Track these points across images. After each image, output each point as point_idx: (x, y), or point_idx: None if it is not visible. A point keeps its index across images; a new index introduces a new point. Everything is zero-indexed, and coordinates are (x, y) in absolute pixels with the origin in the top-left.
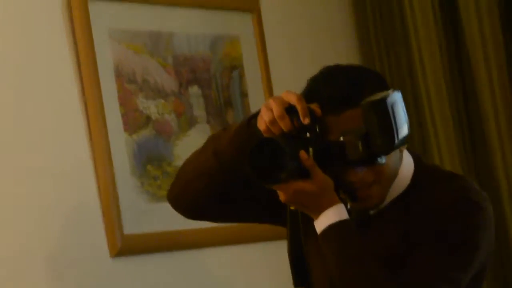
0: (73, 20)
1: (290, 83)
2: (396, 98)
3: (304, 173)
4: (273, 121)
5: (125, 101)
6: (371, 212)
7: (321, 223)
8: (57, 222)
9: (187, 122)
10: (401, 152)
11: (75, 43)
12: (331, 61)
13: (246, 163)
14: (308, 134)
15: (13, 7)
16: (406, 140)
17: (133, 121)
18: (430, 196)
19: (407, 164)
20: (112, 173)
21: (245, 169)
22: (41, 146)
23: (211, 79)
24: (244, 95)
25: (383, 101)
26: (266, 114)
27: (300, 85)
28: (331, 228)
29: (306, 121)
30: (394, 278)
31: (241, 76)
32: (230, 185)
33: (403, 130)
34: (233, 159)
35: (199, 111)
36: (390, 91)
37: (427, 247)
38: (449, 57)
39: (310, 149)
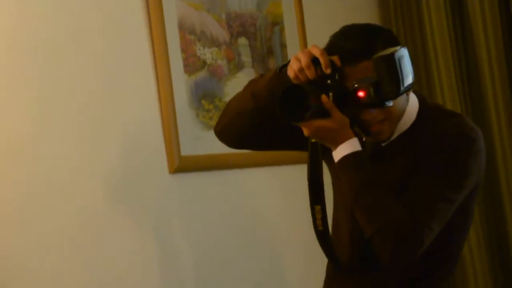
0: None
1: (322, 38)
2: (403, 53)
3: (324, 113)
4: (300, 70)
5: (186, 48)
6: (383, 144)
7: (338, 154)
8: (126, 144)
9: (236, 67)
10: (408, 95)
11: (147, 3)
12: (355, 21)
13: (276, 104)
14: (329, 81)
15: None
16: (411, 87)
17: (192, 64)
18: (431, 132)
19: (412, 104)
20: (173, 105)
21: (276, 109)
22: (116, 84)
23: (257, 32)
24: (283, 46)
25: (392, 55)
26: (295, 64)
27: None
28: (347, 157)
29: (327, 70)
30: (399, 200)
31: (281, 30)
32: (264, 121)
33: (408, 79)
34: (267, 100)
35: (246, 58)
36: (398, 47)
37: (427, 173)
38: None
39: (330, 94)
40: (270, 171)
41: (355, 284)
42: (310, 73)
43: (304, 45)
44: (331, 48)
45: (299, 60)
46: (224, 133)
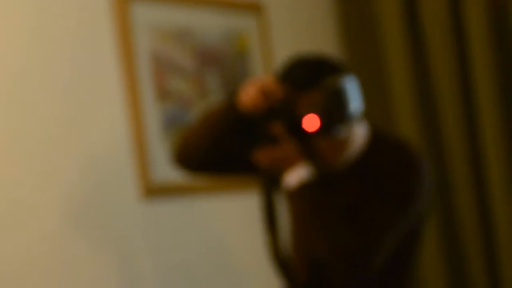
0: (116, 19)
1: None
2: (350, 81)
3: (274, 141)
4: (251, 101)
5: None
6: (330, 173)
7: (287, 182)
8: (98, 170)
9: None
10: (357, 124)
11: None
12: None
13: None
14: (278, 109)
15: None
16: (359, 114)
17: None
18: (378, 162)
19: (362, 134)
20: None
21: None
22: (84, 104)
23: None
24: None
25: (338, 84)
26: (245, 95)
27: None
28: (296, 186)
29: (277, 97)
30: (349, 226)
31: (248, 62)
32: (221, 150)
33: (355, 106)
34: (223, 132)
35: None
36: (345, 75)
37: (374, 201)
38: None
39: (281, 122)
40: (240, 197)
41: None
42: (259, 104)
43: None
44: (283, 75)
45: (249, 91)
46: (184, 157)
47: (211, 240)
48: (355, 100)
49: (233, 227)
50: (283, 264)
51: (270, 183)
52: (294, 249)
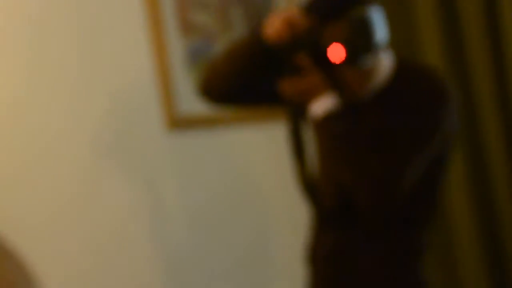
0: None
1: None
2: (376, 11)
3: (300, 72)
4: (276, 32)
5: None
6: (358, 102)
7: (313, 111)
8: (124, 105)
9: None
10: (383, 53)
11: None
12: None
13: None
14: (304, 40)
15: None
16: (385, 44)
17: (188, 26)
18: (405, 91)
19: (387, 63)
20: (168, 66)
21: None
22: (107, 37)
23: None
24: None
25: (364, 14)
26: (271, 27)
27: None
28: (322, 115)
29: (303, 30)
30: (375, 153)
31: None
32: (249, 79)
33: (381, 37)
34: (249, 62)
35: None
36: (371, 5)
37: (398, 129)
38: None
39: (306, 53)
40: (267, 127)
41: (338, 236)
42: (284, 35)
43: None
44: (308, 7)
45: (274, 23)
46: (210, 88)
47: (237, 171)
48: (380, 30)
49: (259, 157)
50: (310, 189)
51: (296, 112)
52: (321, 176)
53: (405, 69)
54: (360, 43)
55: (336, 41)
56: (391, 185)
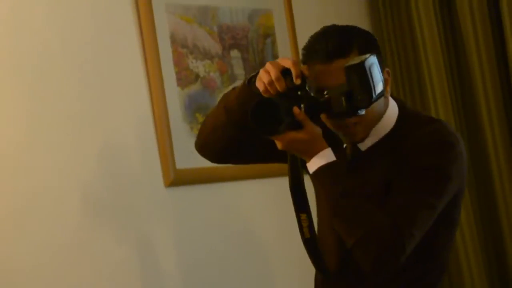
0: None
1: None
2: (373, 61)
3: (297, 125)
4: (270, 83)
5: (178, 62)
6: (363, 149)
7: (312, 165)
8: (122, 160)
9: (229, 79)
10: (386, 98)
11: (138, 16)
12: None
13: (249, 119)
14: (299, 92)
15: None
16: (382, 94)
17: (185, 78)
18: (411, 137)
19: (392, 109)
20: (167, 120)
21: (250, 123)
22: (110, 96)
23: (249, 44)
24: (275, 57)
25: (362, 63)
26: (264, 76)
27: None
28: (321, 169)
29: (298, 81)
30: (379, 207)
31: (273, 42)
32: (240, 135)
33: (379, 86)
34: (239, 114)
35: (238, 70)
36: (368, 55)
37: (407, 178)
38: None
39: (302, 105)
40: (265, 183)
41: None
42: (280, 86)
43: (296, 55)
44: (308, 47)
45: (268, 72)
46: (204, 149)
47: (237, 226)
48: (378, 79)
49: (259, 213)
50: (315, 247)
51: (297, 164)
52: (325, 234)
53: (411, 116)
54: (358, 93)
55: (333, 91)
56: (399, 242)
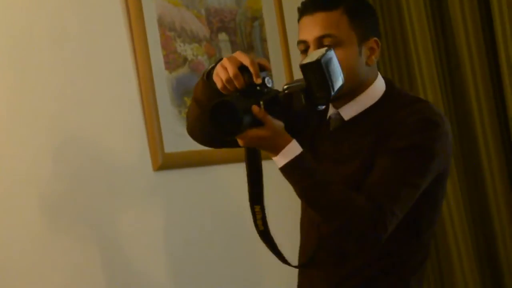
0: None
1: None
2: (330, 56)
3: (258, 123)
4: (228, 80)
5: (166, 45)
6: (346, 119)
7: (279, 161)
8: (110, 143)
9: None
10: (369, 67)
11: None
12: None
13: (208, 122)
14: (258, 88)
15: None
16: (341, 88)
17: (173, 61)
18: (396, 115)
19: (379, 83)
20: (155, 103)
21: (209, 126)
22: (98, 80)
23: (236, 27)
24: (263, 40)
25: (318, 62)
26: (222, 73)
27: None
28: (289, 164)
29: (258, 81)
30: (362, 186)
31: (261, 25)
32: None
33: (338, 82)
34: (207, 104)
35: (226, 53)
36: (324, 51)
37: (390, 156)
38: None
39: (261, 102)
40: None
41: (324, 275)
42: (238, 83)
43: (284, 38)
44: (301, 3)
45: (225, 69)
46: (192, 135)
47: (226, 209)
48: (337, 75)
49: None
50: (269, 239)
51: (256, 158)
52: (307, 222)
53: (397, 94)
54: (317, 90)
55: (292, 87)
56: (381, 219)
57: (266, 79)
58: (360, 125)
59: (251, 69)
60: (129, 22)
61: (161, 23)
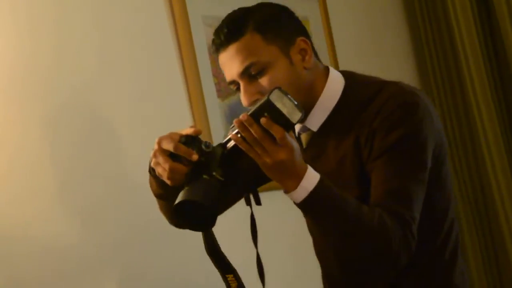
0: (173, 10)
1: (349, 43)
2: (279, 94)
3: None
4: (169, 177)
5: (217, 73)
6: (315, 130)
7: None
8: None
9: None
10: (309, 70)
11: (175, 30)
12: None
13: (179, 223)
14: (203, 159)
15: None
16: (302, 117)
17: (224, 89)
18: (368, 106)
19: (334, 79)
20: (209, 130)
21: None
22: (151, 112)
23: None
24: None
25: (269, 101)
26: (160, 170)
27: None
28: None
29: (194, 158)
30: (372, 191)
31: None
32: None
33: (296, 115)
34: (172, 198)
35: None
36: (272, 90)
37: (385, 161)
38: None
39: (219, 170)
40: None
41: None
42: (180, 172)
43: (332, 53)
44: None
45: (159, 164)
46: (177, 227)
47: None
48: (291, 109)
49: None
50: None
51: (210, 232)
52: (326, 257)
53: (362, 84)
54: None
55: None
56: (408, 230)
57: (203, 146)
58: (334, 130)
59: (180, 152)
60: (180, 51)
61: (211, 51)
